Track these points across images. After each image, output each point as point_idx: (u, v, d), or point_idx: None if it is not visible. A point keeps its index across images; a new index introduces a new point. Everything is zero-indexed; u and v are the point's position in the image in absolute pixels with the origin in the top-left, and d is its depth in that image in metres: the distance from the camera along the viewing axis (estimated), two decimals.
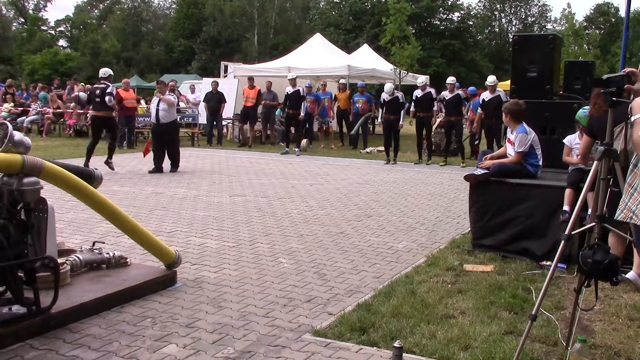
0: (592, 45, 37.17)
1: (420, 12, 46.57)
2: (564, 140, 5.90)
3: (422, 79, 13.34)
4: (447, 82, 13.08)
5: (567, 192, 5.44)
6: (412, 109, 13.48)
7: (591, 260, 3.19)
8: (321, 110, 16.70)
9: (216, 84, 16.55)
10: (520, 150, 5.90)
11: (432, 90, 13.32)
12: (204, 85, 19.01)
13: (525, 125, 5.98)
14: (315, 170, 12.12)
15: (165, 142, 11.18)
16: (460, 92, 13.12)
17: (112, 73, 11.25)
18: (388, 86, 13.50)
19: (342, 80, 17.73)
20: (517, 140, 5.92)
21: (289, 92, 15.05)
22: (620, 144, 4.17)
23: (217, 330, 3.81)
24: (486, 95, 12.44)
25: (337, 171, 12.03)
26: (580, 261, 3.28)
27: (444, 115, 13.20)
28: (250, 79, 16.73)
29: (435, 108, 13.38)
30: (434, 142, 14.17)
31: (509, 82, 9.75)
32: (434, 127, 14.11)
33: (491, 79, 12.39)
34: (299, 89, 14.94)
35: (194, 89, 19.22)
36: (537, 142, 6.02)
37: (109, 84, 10.83)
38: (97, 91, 10.79)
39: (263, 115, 17.14)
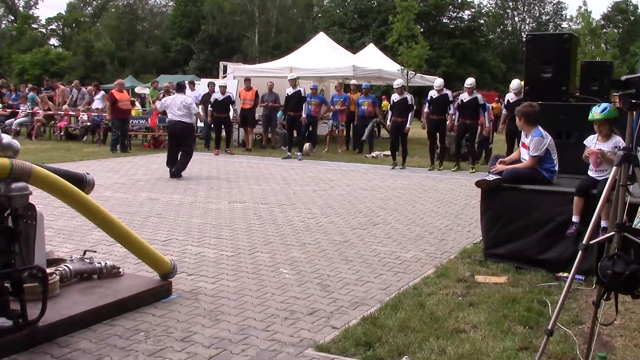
0: (610, 45, 37.16)
1: (429, 10, 46.65)
2: (585, 142, 5.89)
3: (439, 82, 13.33)
4: (465, 85, 13.02)
5: (575, 200, 5.43)
6: (425, 109, 13.46)
7: (611, 271, 3.16)
8: (333, 113, 16.70)
9: (223, 87, 16.09)
10: (535, 154, 5.88)
11: (449, 93, 13.31)
12: (202, 86, 19.02)
13: (540, 128, 5.97)
14: (319, 175, 12.12)
15: None
16: (479, 95, 13.04)
17: (225, 84, 15.84)
18: (397, 81, 13.50)
19: (353, 81, 17.75)
20: (532, 144, 5.91)
21: (290, 94, 15.05)
22: None
23: (214, 344, 3.79)
24: (511, 97, 12.42)
25: (342, 176, 12.02)
26: (599, 272, 3.26)
27: (458, 118, 13.09)
28: (247, 80, 16.69)
29: (450, 111, 13.30)
30: (445, 145, 14.14)
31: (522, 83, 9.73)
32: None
33: (516, 85, 12.35)
34: (299, 90, 14.95)
35: (193, 87, 19.13)
36: (553, 147, 6.00)
37: (231, 93, 15.51)
38: (223, 99, 15.20)
39: (264, 117, 17.14)
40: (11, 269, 3.66)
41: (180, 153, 11.33)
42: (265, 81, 17.40)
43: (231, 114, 15.79)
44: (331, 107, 16.86)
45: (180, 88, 11.71)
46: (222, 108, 15.24)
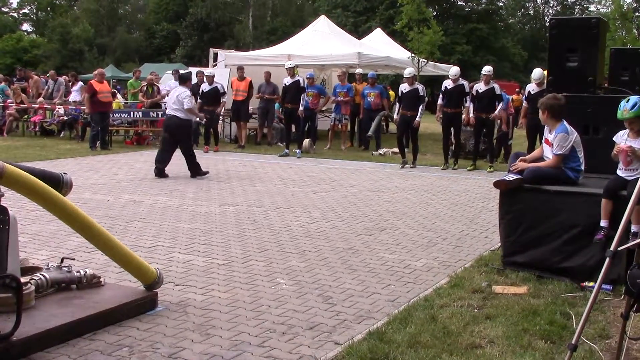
0: None
1: None
2: (614, 138, 5.91)
3: (454, 71, 13.34)
4: (482, 72, 13.04)
5: (603, 202, 5.45)
6: (439, 101, 13.48)
7: None
8: (336, 105, 16.74)
9: (210, 77, 16.14)
10: (559, 152, 5.91)
11: (465, 83, 13.33)
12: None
13: (566, 123, 5.98)
14: (320, 175, 12.15)
15: None
16: (496, 85, 13.05)
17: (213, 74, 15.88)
18: (408, 70, 13.52)
19: (358, 70, 17.77)
20: (556, 140, 5.93)
21: (287, 84, 15.07)
22: None
23: None
24: (532, 88, 12.42)
25: (345, 176, 12.05)
26: (628, 282, 3.29)
27: (473, 111, 13.10)
28: (240, 69, 16.72)
29: (467, 104, 13.30)
30: (460, 142, 14.15)
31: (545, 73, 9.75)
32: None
33: (538, 74, 12.35)
34: (298, 80, 14.97)
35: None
36: (580, 144, 6.02)
37: (220, 82, 15.67)
38: (210, 90, 15.36)
39: (260, 110, 17.16)
40: None
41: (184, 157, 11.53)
42: (260, 70, 17.42)
43: (223, 107, 15.87)
44: (331, 97, 16.87)
45: (181, 80, 11.89)
46: (209, 100, 15.33)
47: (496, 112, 12.88)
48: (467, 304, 4.87)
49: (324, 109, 18.18)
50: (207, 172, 11.53)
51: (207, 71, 16.37)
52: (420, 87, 13.35)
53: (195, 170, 11.45)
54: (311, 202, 9.24)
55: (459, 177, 12.27)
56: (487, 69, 12.98)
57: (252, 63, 18.40)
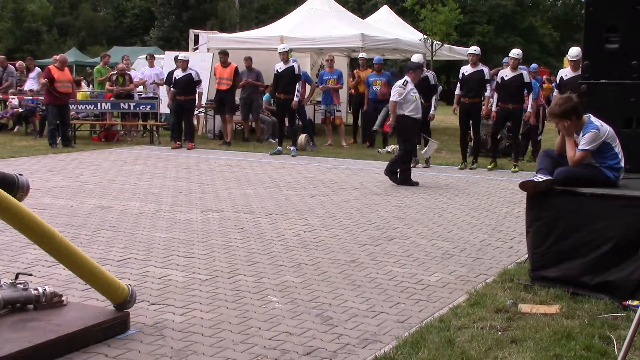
0: None
1: None
2: None
3: (473, 49, 13.35)
4: (509, 55, 13.04)
5: None
6: (457, 91, 13.50)
7: None
8: (325, 94, 16.76)
9: (184, 62, 16.18)
10: (585, 148, 5.84)
11: (485, 69, 13.34)
12: (167, 61, 19.04)
13: (592, 118, 5.93)
14: (318, 176, 12.16)
15: None
16: (524, 71, 13.04)
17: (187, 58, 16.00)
18: (417, 56, 13.53)
19: (362, 54, 17.81)
20: (585, 137, 5.87)
21: (280, 71, 15.08)
22: None
23: None
24: (566, 73, 12.42)
25: (348, 177, 12.06)
26: None
27: (497, 102, 13.09)
28: (224, 54, 16.69)
29: (487, 93, 13.29)
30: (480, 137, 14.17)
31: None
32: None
33: (575, 51, 12.37)
34: (292, 66, 15.00)
35: (152, 62, 19.18)
36: (615, 137, 5.96)
37: (194, 69, 15.75)
38: (182, 77, 15.49)
39: (243, 101, 17.16)
40: None
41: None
42: (248, 55, 17.43)
43: (202, 98, 15.93)
44: (316, 85, 16.96)
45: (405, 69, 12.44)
46: (182, 89, 15.38)
47: (528, 107, 12.85)
48: (489, 326, 4.87)
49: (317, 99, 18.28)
50: (416, 183, 11.35)
51: (181, 55, 16.36)
52: (430, 74, 13.38)
53: (402, 178, 11.42)
54: (308, 208, 9.24)
55: (479, 178, 12.29)
56: (515, 52, 12.98)
57: (239, 46, 18.41)
